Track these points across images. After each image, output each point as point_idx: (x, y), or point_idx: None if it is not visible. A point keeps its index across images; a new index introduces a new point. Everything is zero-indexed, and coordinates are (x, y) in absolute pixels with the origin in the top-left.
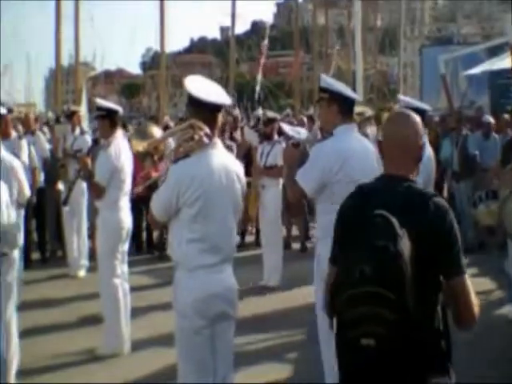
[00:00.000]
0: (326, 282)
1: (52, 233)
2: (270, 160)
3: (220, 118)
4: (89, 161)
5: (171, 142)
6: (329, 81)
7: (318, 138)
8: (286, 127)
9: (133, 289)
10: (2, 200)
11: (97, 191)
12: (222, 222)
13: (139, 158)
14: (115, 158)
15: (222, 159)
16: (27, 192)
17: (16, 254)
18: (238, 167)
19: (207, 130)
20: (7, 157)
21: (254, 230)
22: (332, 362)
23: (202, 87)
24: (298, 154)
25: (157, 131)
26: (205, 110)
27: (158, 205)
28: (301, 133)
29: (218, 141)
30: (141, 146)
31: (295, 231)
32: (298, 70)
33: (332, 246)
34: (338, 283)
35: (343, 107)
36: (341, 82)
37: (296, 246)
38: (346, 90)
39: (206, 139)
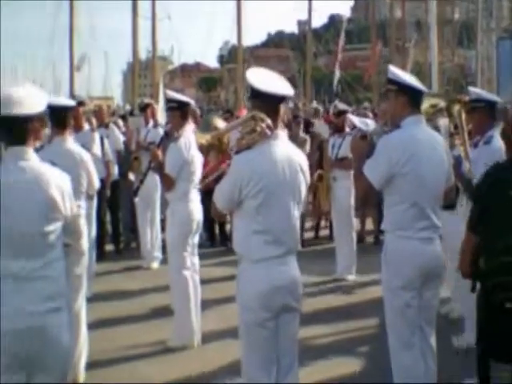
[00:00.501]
0: (464, 248)
1: (126, 225)
2: (342, 152)
3: (282, 109)
4: (159, 153)
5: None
6: (396, 72)
7: (385, 129)
8: (354, 119)
9: (204, 281)
10: (64, 191)
11: (167, 183)
12: (285, 214)
13: (203, 151)
14: (185, 150)
15: (285, 150)
16: (96, 184)
17: (85, 246)
18: (301, 158)
19: (269, 121)
20: (76, 149)
21: (327, 224)
22: (401, 358)
23: (264, 79)
24: (365, 146)
25: (220, 123)
26: (267, 102)
27: (220, 197)
28: (369, 124)
29: (280, 132)
30: (204, 139)
31: (369, 225)
32: (376, 64)
33: (471, 217)
34: (490, 250)
35: (411, 99)
36: (418, 75)
37: (370, 239)
38: (414, 82)
39: (268, 131)
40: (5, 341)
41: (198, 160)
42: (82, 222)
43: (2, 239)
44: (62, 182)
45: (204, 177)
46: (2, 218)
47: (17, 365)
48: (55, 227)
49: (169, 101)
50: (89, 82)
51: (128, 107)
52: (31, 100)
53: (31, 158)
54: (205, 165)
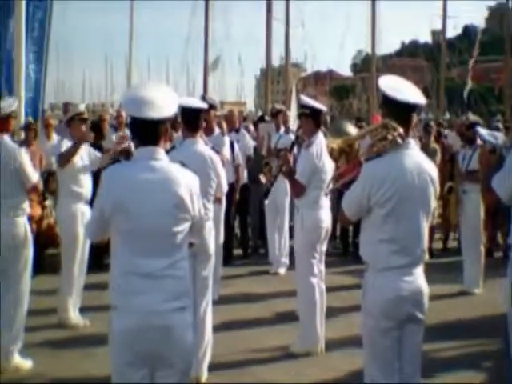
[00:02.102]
0: None
1: (254, 230)
2: (472, 165)
3: (415, 118)
4: (291, 158)
5: (366, 141)
6: None
7: None
8: (483, 132)
9: (331, 288)
10: (193, 192)
11: (297, 190)
12: (413, 224)
13: (333, 156)
14: (316, 157)
15: (416, 160)
16: (225, 187)
17: (212, 248)
18: (431, 169)
19: (401, 130)
20: (207, 151)
21: (456, 236)
22: None
23: (397, 87)
24: (494, 160)
25: (352, 129)
26: (399, 110)
27: (349, 203)
28: (498, 138)
29: (411, 141)
30: (335, 143)
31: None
32: (508, 76)
33: None
34: None
35: None
36: None
37: (499, 253)
38: None
39: (399, 139)
40: (129, 338)
41: (329, 168)
42: (209, 225)
43: (131, 237)
44: (191, 183)
45: (333, 181)
46: (131, 216)
47: (140, 361)
48: (183, 227)
49: (302, 107)
50: (222, 86)
51: (260, 113)
52: (165, 103)
53: (162, 158)
54: (335, 170)
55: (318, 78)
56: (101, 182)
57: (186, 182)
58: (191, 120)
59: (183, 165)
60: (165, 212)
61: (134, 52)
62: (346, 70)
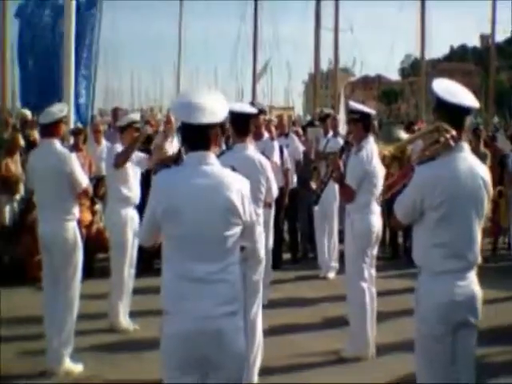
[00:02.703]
0: None
1: (304, 234)
2: None
3: (468, 121)
4: (341, 163)
5: (418, 146)
6: None
7: None
8: None
9: (382, 293)
10: (244, 196)
11: (347, 194)
12: (467, 228)
13: (385, 163)
14: (367, 161)
15: (469, 163)
16: (275, 192)
17: (262, 253)
18: (484, 172)
19: (454, 132)
20: (257, 156)
21: (505, 240)
22: None
23: (451, 90)
24: None
25: (403, 134)
26: (451, 113)
27: (401, 207)
28: None
29: (464, 144)
30: (387, 150)
31: None
32: None
33: None
34: None
35: None
36: None
37: None
38: None
39: (452, 142)
40: (181, 342)
41: (379, 172)
42: (260, 229)
43: (183, 242)
44: (242, 187)
45: (386, 189)
46: (183, 221)
47: (192, 366)
48: (234, 232)
49: (351, 112)
50: (270, 91)
51: (309, 118)
52: (215, 108)
53: (213, 163)
54: (387, 176)
55: (367, 82)
56: (152, 186)
57: (238, 187)
58: (241, 125)
59: (234, 169)
60: (216, 217)
61: (183, 58)
62: (394, 75)
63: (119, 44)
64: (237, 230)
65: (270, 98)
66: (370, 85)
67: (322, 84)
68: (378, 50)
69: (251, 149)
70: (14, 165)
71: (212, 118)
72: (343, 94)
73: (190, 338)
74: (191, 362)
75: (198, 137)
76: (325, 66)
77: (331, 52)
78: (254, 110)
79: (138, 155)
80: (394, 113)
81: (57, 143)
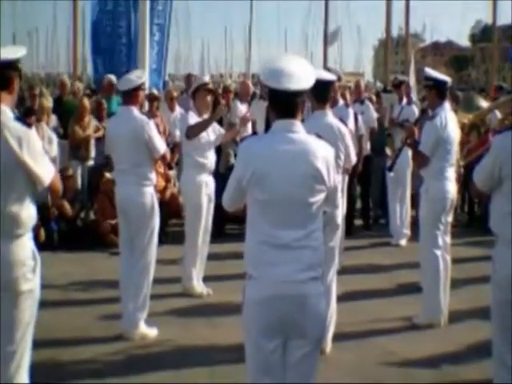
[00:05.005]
0: None
1: (376, 201)
2: None
3: None
4: (416, 130)
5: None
6: None
7: None
8: None
9: (455, 260)
10: (329, 163)
11: (420, 161)
12: None
13: (465, 130)
14: (441, 128)
15: None
16: (353, 158)
17: (340, 219)
18: None
19: None
20: (335, 123)
21: None
22: None
23: None
24: None
25: (483, 103)
26: None
27: (481, 175)
28: None
29: None
30: (466, 118)
31: None
32: None
33: None
34: None
35: None
36: None
37: None
38: None
39: None
40: (264, 307)
41: (455, 139)
42: (339, 195)
43: (268, 207)
44: (327, 155)
45: (465, 155)
46: (269, 187)
47: (274, 331)
48: (319, 198)
49: (426, 79)
50: (341, 57)
51: (379, 84)
52: (303, 75)
53: (299, 131)
54: (465, 143)
55: (437, 48)
56: (238, 152)
57: (323, 154)
58: (321, 92)
59: (319, 136)
60: (302, 183)
61: (254, 24)
62: (464, 41)
63: (190, 10)
64: (321, 196)
65: (340, 63)
66: (440, 51)
67: (392, 50)
68: (449, 16)
69: (330, 116)
70: (83, 130)
71: (300, 85)
72: (413, 60)
73: (274, 303)
74: (275, 325)
75: (285, 104)
76: (395, 32)
77: (402, 18)
78: (333, 77)
79: (217, 129)
80: (464, 79)
81: (135, 110)
